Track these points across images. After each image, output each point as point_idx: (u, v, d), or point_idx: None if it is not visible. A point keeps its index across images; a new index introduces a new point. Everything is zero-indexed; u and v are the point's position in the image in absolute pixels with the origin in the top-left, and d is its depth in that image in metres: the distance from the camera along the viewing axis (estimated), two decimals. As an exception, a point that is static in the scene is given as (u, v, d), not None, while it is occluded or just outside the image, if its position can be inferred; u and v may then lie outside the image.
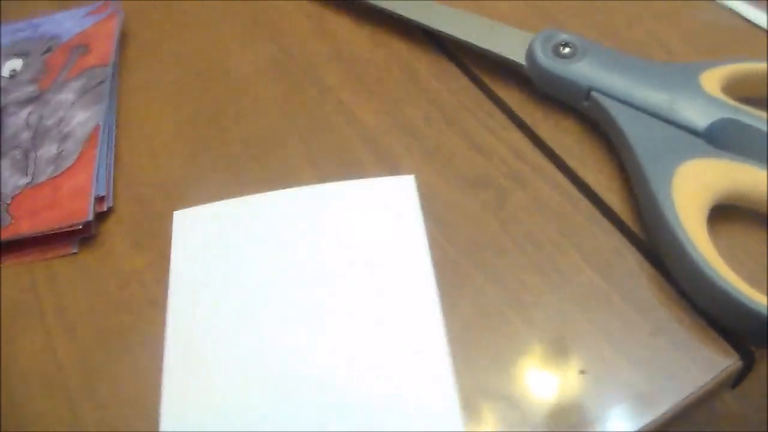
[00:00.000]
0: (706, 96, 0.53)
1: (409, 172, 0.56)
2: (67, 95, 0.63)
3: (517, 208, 0.54)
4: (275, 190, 0.56)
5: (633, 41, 0.61)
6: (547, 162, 0.56)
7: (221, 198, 0.57)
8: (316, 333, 0.49)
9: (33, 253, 0.57)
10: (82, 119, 0.61)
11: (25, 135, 0.61)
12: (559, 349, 0.48)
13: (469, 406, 0.46)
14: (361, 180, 0.56)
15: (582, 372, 0.47)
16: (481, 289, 0.51)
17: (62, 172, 0.58)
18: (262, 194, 0.56)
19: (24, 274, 0.57)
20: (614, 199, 0.53)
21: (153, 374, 0.50)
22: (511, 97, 0.60)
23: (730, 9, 0.63)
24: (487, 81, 0.61)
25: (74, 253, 0.57)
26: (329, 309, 0.50)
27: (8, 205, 0.57)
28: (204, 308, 0.52)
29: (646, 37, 0.62)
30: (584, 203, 0.53)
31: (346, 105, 0.61)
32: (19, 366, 0.52)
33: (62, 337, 0.53)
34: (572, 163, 0.55)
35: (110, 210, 0.58)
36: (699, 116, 0.52)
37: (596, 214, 0.53)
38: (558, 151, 0.56)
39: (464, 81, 0.61)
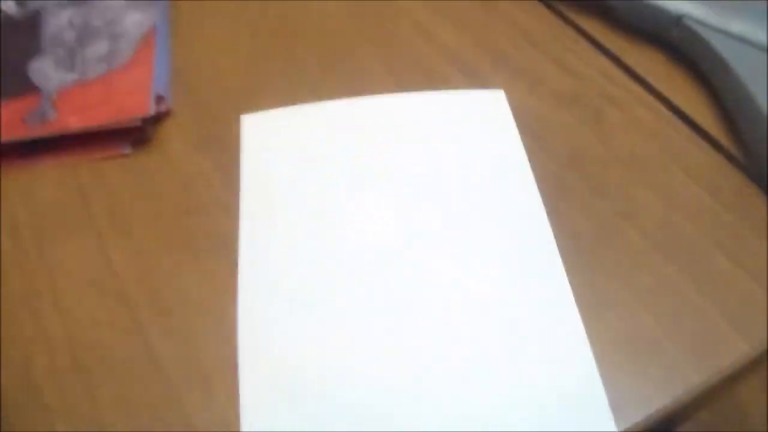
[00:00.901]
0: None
1: (497, 88, 0.53)
2: (116, -2, 0.58)
3: (614, 126, 0.51)
4: (351, 97, 0.53)
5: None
6: (637, 86, 0.53)
7: (290, 104, 0.53)
8: (406, 245, 0.45)
9: (78, 153, 0.51)
10: (136, 20, 0.56)
11: (69, 34, 0.56)
12: (672, 259, 0.45)
13: (589, 315, 0.43)
14: (448, 91, 0.52)
15: (696, 280, 0.44)
16: (588, 201, 0.48)
17: (116, 69, 0.53)
18: (341, 100, 0.52)
19: (68, 176, 0.51)
20: (709, 122, 0.51)
21: (222, 278, 0.45)
22: (594, 27, 0.57)
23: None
24: (567, 11, 0.59)
25: (126, 155, 0.51)
26: (422, 219, 0.46)
27: (53, 100, 0.52)
28: (280, 214, 0.47)
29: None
30: (680, 125, 0.51)
31: (423, 24, 0.58)
32: (67, 270, 0.46)
33: (116, 242, 0.48)
34: (662, 88, 0.53)
35: (166, 114, 0.53)
36: (793, 43, 0.51)
37: (694, 136, 0.51)
38: (646, 76, 0.54)
39: (543, 9, 0.59)
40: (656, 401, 0.40)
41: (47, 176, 0.51)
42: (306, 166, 0.49)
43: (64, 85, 0.52)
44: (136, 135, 0.51)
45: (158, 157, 0.51)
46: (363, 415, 0.39)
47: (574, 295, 0.43)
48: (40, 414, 0.41)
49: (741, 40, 0.52)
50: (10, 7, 0.58)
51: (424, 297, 0.43)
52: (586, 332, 0.42)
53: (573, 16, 0.58)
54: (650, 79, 0.54)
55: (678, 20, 0.54)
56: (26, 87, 0.53)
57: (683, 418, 0.42)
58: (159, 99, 0.52)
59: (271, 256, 0.45)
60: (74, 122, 0.50)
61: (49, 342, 0.44)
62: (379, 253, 0.45)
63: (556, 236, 0.46)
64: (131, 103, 0.51)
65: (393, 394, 0.40)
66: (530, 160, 0.49)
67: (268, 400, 0.40)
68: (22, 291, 0.46)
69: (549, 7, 0.59)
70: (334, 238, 0.46)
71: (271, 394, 0.40)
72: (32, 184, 0.51)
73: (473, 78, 0.54)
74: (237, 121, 0.52)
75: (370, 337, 0.42)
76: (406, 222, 0.46)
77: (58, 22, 0.56)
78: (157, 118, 0.53)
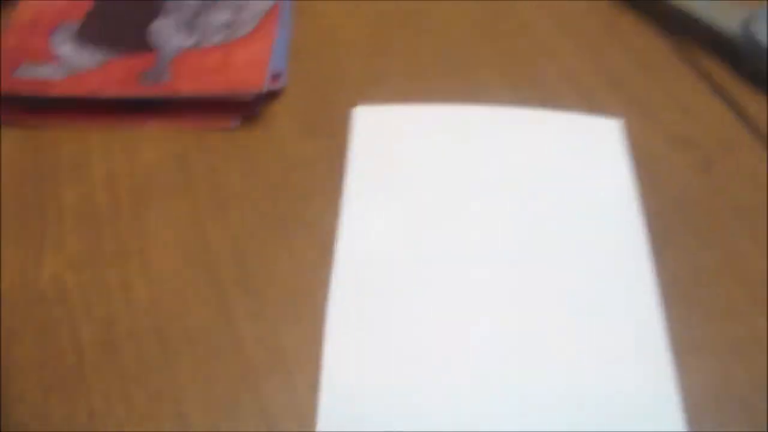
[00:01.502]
0: None
1: (613, 117, 0.52)
2: (243, -31, 0.58)
3: (725, 174, 0.50)
4: (465, 104, 0.52)
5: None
6: (753, 138, 0.52)
7: (405, 102, 0.52)
8: (503, 265, 0.45)
9: (184, 120, 0.51)
10: (260, -6, 0.56)
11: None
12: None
13: (679, 357, 0.42)
14: (565, 113, 0.52)
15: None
16: (691, 245, 0.46)
17: (235, 41, 0.53)
18: (457, 106, 0.52)
19: (172, 141, 0.51)
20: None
21: (317, 268, 0.45)
22: (715, 70, 0.56)
23: None
24: (690, 49, 0.57)
25: (233, 129, 0.51)
26: (523, 237, 0.46)
27: (169, 62, 0.52)
28: (383, 211, 0.47)
29: None
30: (792, 183, 0.50)
31: (545, 42, 0.58)
32: (159, 234, 0.46)
33: (213, 214, 0.47)
34: (780, 146, 0.52)
35: (279, 93, 0.53)
36: None
37: (805, 195, 0.49)
38: (764, 129, 0.53)
39: (667, 45, 0.58)
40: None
41: (151, 138, 0.51)
42: (415, 166, 0.49)
43: (181, 49, 0.53)
44: (245, 110, 0.51)
45: (264, 135, 0.51)
46: (445, 418, 0.39)
47: (666, 336, 0.42)
48: (116, 373, 0.41)
49: None
50: (137, -34, 0.58)
51: (512, 315, 0.43)
52: (675, 374, 0.41)
53: (695, 54, 0.57)
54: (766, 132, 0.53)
55: (808, 78, 0.52)
56: (144, 46, 0.53)
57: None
58: (274, 77, 0.52)
59: (370, 253, 0.45)
60: (187, 87, 0.51)
61: (133, 304, 0.44)
62: (476, 264, 0.44)
63: (656, 275, 0.44)
64: (246, 77, 0.51)
65: (478, 401, 0.39)
66: (639, 195, 0.48)
67: (346, 401, 0.39)
68: (112, 249, 0.46)
69: (672, 41, 0.58)
70: (434, 243, 0.45)
71: (354, 394, 0.40)
72: (135, 144, 0.51)
73: (590, 103, 0.53)
74: (349, 111, 0.52)
75: (460, 344, 0.41)
76: (506, 238, 0.46)
77: (183, -15, 0.57)
78: (269, 96, 0.52)
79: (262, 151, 0.50)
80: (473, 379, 0.40)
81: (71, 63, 0.52)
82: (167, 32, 0.53)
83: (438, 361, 0.41)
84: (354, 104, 0.52)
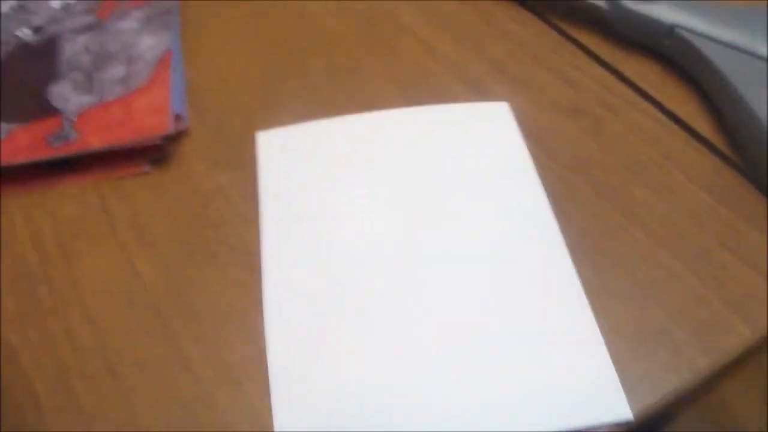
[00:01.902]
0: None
1: (500, 100, 0.55)
2: (129, 24, 0.60)
3: (614, 133, 0.53)
4: (361, 112, 0.55)
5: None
6: (635, 95, 0.56)
7: (302, 120, 0.55)
8: (420, 251, 0.48)
9: (99, 173, 0.53)
10: (151, 44, 0.58)
11: (86, 59, 0.58)
12: (675, 253, 0.47)
13: (598, 307, 0.45)
14: (454, 104, 0.55)
15: (698, 272, 0.46)
16: (593, 202, 0.50)
17: (133, 91, 0.55)
18: (352, 116, 0.54)
19: (90, 193, 0.53)
20: (703, 126, 0.54)
21: (248, 286, 0.47)
22: (589, 40, 0.60)
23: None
24: (563, 26, 0.61)
25: (146, 173, 0.53)
26: (435, 225, 0.49)
27: (74, 122, 0.53)
28: (299, 224, 0.49)
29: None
30: (678, 131, 0.54)
31: (426, 41, 0.60)
32: (94, 282, 0.48)
33: (141, 254, 0.49)
34: (659, 97, 0.56)
35: (184, 132, 0.55)
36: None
37: (690, 140, 0.53)
38: (643, 86, 0.56)
39: (541, 25, 0.61)
40: (666, 384, 0.42)
41: (70, 194, 0.53)
42: (321, 177, 0.51)
43: (83, 108, 0.54)
44: (155, 153, 0.53)
45: (178, 174, 0.53)
46: (388, 411, 0.41)
47: (583, 289, 0.45)
48: (77, 416, 0.43)
49: (731, 47, 0.54)
50: (26, 35, 0.60)
51: (437, 297, 0.45)
52: (597, 323, 0.44)
53: (568, 28, 0.61)
54: (646, 87, 0.56)
55: (671, 30, 0.56)
56: (47, 110, 0.55)
57: (679, 411, 0.44)
58: (177, 118, 0.54)
59: (293, 262, 0.47)
60: (95, 142, 0.52)
61: (81, 350, 0.45)
62: (393, 257, 0.47)
63: (564, 235, 0.48)
64: (150, 123, 0.53)
65: (412, 390, 0.42)
66: (536, 166, 0.51)
67: (298, 399, 0.42)
68: (51, 303, 0.47)
69: (545, 21, 0.62)
70: (349, 245, 0.48)
71: (302, 392, 0.42)
72: (56, 202, 0.52)
73: (477, 90, 0.56)
74: (252, 138, 0.54)
75: (389, 334, 0.44)
76: (420, 229, 0.48)
77: (74, 47, 0.59)
78: (175, 137, 0.54)
79: (177, 189, 0.52)
80: (405, 369, 0.43)
81: (-23, 139, 0.53)
82: (66, 94, 0.55)
83: (376, 358, 0.43)
84: (255, 131, 0.54)
